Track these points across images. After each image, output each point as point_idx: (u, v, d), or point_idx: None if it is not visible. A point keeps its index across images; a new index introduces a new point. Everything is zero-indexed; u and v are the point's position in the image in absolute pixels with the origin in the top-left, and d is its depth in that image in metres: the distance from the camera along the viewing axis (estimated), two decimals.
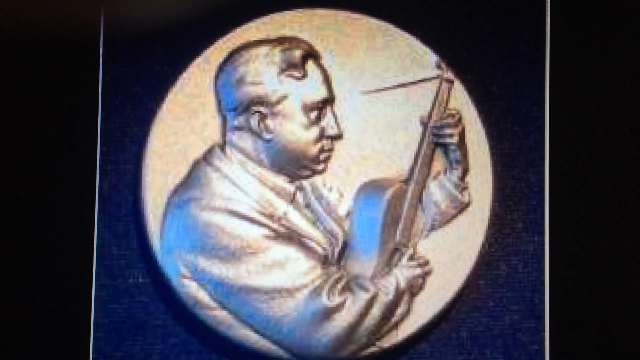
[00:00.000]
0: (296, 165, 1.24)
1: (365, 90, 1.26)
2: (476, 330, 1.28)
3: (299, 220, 1.24)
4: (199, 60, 1.25)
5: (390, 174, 1.26)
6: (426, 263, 1.25)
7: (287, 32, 1.26)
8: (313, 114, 1.23)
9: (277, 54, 1.23)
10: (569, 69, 1.31)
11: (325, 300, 1.21)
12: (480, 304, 1.28)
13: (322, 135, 1.24)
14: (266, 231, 1.22)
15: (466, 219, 1.26)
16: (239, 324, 1.22)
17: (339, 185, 1.25)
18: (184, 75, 1.25)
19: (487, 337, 1.28)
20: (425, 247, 1.26)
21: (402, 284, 1.24)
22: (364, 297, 1.22)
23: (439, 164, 1.26)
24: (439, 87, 1.26)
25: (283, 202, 1.23)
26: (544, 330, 1.28)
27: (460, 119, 1.26)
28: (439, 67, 1.27)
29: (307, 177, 1.25)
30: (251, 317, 1.21)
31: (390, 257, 1.25)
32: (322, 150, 1.24)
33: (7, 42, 1.25)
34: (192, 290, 1.22)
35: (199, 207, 1.22)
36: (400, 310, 1.24)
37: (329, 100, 1.24)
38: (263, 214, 1.22)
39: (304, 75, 1.23)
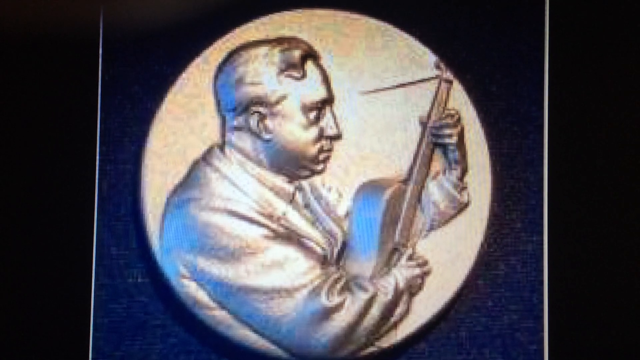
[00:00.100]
0: (295, 166, 1.24)
1: (364, 91, 1.26)
2: (475, 330, 1.28)
3: (298, 221, 1.24)
4: (198, 61, 1.25)
5: (389, 174, 1.26)
6: (425, 263, 1.25)
7: (286, 33, 1.26)
8: (312, 114, 1.23)
9: (276, 54, 1.22)
10: (568, 68, 1.31)
11: (324, 300, 1.21)
12: (479, 304, 1.28)
13: (321, 136, 1.24)
14: (265, 231, 1.22)
15: (465, 219, 1.26)
16: (238, 324, 1.22)
17: (338, 185, 1.25)
18: (183, 75, 1.25)
19: (486, 337, 1.28)
20: (424, 247, 1.26)
21: (401, 284, 1.24)
22: (363, 297, 1.22)
23: (438, 164, 1.26)
24: (438, 87, 1.26)
25: (282, 202, 1.23)
26: (542, 330, 1.28)
27: (459, 119, 1.26)
28: (438, 67, 1.27)
29: (306, 177, 1.25)
30: (250, 317, 1.22)
31: (389, 257, 1.25)
32: (321, 151, 1.24)
33: (6, 42, 1.25)
34: (192, 290, 1.22)
35: (198, 207, 1.22)
36: (399, 310, 1.24)
37: (328, 101, 1.24)
38: (262, 214, 1.22)
39: (303, 76, 1.23)
